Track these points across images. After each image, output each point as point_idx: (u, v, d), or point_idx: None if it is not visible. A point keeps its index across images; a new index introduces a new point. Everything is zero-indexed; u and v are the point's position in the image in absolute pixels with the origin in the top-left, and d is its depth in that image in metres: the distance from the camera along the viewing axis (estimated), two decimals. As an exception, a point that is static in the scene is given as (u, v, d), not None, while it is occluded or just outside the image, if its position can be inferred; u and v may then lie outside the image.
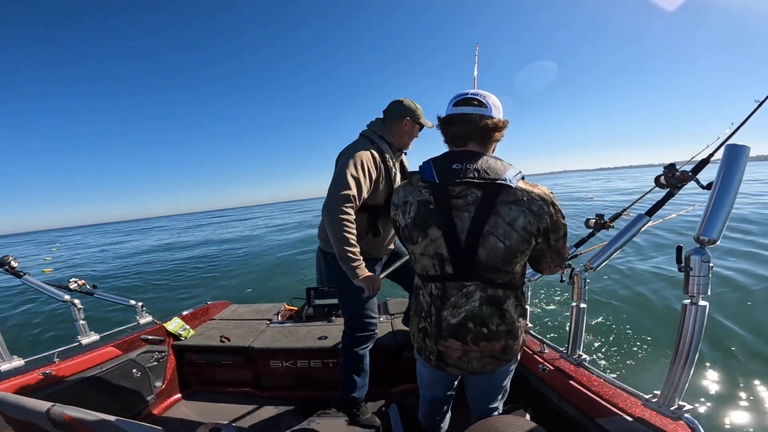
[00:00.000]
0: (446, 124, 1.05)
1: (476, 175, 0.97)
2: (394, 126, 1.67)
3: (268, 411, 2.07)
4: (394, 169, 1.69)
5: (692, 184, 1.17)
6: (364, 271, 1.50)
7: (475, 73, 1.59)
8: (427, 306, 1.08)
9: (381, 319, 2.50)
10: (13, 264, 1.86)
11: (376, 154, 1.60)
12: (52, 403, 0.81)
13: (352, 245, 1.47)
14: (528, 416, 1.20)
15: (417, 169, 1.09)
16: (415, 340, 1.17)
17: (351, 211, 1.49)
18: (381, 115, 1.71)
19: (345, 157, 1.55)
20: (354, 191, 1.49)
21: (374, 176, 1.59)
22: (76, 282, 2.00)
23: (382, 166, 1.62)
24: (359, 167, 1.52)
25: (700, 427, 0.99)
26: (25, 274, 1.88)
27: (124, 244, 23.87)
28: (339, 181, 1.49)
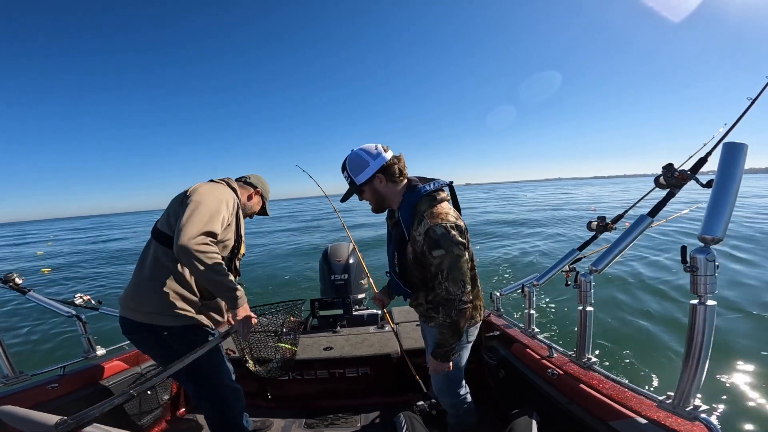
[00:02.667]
0: (400, 161, 1.36)
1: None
2: (244, 191, 1.65)
3: (275, 422, 2.05)
4: (242, 223, 1.60)
5: (693, 183, 1.17)
6: (245, 301, 1.38)
7: None
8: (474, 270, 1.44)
9: (386, 328, 2.48)
10: (18, 281, 1.87)
11: (236, 200, 1.52)
12: (61, 417, 0.81)
13: (227, 273, 1.31)
14: (536, 421, 1.19)
15: (439, 196, 1.34)
16: (484, 306, 1.53)
17: (216, 248, 1.29)
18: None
19: (207, 192, 1.39)
20: (218, 229, 1.32)
21: (232, 222, 1.46)
22: (81, 297, 2.00)
23: (238, 214, 1.52)
24: (223, 205, 1.38)
25: (718, 427, 0.97)
26: (29, 290, 1.88)
27: (122, 240, 23.02)
28: (202, 215, 1.29)
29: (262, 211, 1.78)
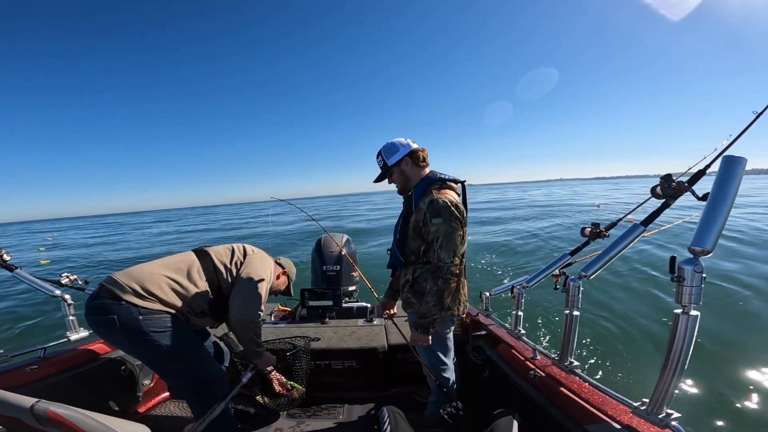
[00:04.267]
0: (424, 152, 1.59)
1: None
2: (276, 269, 1.85)
3: (259, 410, 2.05)
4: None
5: (688, 194, 1.17)
6: (264, 353, 1.73)
7: None
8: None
9: (375, 321, 2.49)
10: (6, 257, 1.84)
11: (272, 270, 1.79)
12: (37, 399, 0.80)
13: (260, 338, 1.69)
14: (517, 422, 1.20)
15: (450, 184, 1.55)
16: (467, 304, 1.65)
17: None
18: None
19: (260, 267, 1.66)
20: (264, 304, 1.66)
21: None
22: (68, 277, 1.98)
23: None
24: (268, 279, 1.68)
25: None
26: (16, 267, 1.86)
27: (117, 237, 23.32)
28: (259, 297, 1.60)
29: (286, 291, 1.96)
